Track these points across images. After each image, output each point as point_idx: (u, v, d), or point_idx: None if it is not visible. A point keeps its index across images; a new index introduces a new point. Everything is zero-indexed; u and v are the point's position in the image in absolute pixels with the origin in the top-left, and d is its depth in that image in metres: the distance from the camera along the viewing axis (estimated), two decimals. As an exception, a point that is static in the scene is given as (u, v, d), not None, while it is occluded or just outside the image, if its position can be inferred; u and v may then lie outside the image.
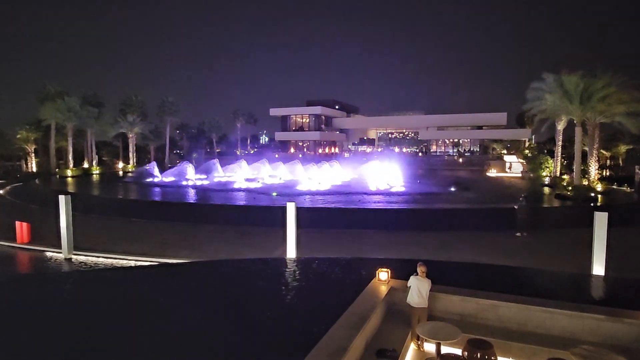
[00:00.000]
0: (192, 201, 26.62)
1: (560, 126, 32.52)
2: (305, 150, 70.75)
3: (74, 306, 8.52)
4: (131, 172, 50.47)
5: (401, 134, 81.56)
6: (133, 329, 7.30)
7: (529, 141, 63.49)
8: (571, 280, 10.42)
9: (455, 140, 74.52)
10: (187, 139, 78.64)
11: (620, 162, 40.53)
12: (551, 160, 35.72)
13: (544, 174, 36.27)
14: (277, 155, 40.74)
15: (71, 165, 47.72)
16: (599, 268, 10.52)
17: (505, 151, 67.18)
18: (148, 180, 37.91)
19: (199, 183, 35.30)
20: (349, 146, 79.69)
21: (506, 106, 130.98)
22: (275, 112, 76.81)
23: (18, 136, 52.39)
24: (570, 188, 25.74)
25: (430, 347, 6.58)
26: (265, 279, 10.24)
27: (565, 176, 32.20)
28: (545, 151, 39.77)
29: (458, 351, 6.03)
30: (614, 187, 30.47)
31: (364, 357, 5.87)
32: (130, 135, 55.07)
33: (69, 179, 42.41)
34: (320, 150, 71.73)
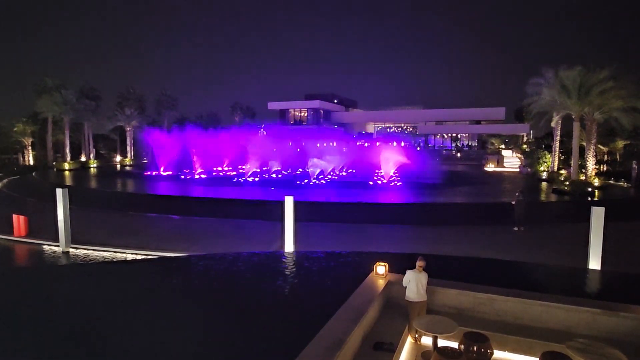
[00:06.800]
0: (190, 195, 26.58)
1: (557, 121, 32.50)
2: (303, 143, 70.69)
3: (71, 300, 8.51)
4: (129, 165, 50.36)
5: (399, 129, 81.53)
6: (130, 323, 7.31)
7: (527, 136, 63.55)
8: (568, 274, 10.48)
9: (454, 135, 74.57)
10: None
11: (618, 157, 40.61)
12: (549, 155, 35.78)
13: (541, 168, 36.36)
14: (275, 150, 40.69)
15: (68, 159, 47.57)
16: (595, 262, 10.59)
17: (503, 146, 67.27)
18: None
19: (196, 177, 35.28)
20: None
21: (505, 101, 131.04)
22: (273, 106, 76.62)
23: (15, 129, 52.17)
24: (567, 183, 25.82)
25: (427, 340, 6.62)
26: (263, 273, 10.26)
27: (562, 171, 32.27)
28: (543, 146, 39.80)
29: (454, 344, 6.05)
30: (611, 182, 30.59)
31: (362, 350, 5.90)
32: (128, 129, 54.86)
33: (66, 172, 42.30)
34: (318, 145, 71.72)
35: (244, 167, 37.47)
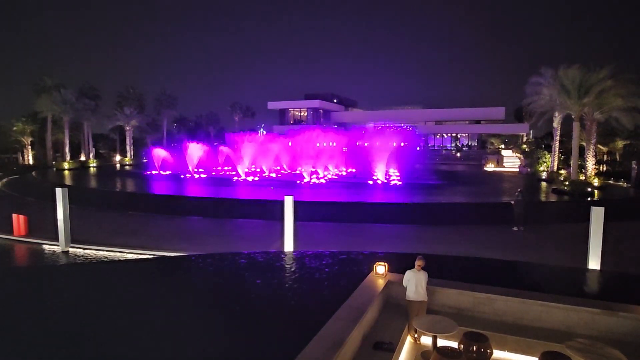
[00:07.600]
0: (190, 194, 26.56)
1: (557, 121, 32.52)
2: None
3: (71, 299, 8.51)
4: (129, 164, 50.33)
5: (399, 128, 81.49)
6: (130, 323, 7.31)
7: (526, 136, 63.55)
8: (567, 274, 10.48)
9: (454, 134, 74.61)
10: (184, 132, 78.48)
11: (617, 157, 40.64)
12: (549, 155, 35.80)
13: (541, 168, 36.37)
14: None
15: (68, 158, 47.53)
16: (594, 262, 10.59)
17: (503, 146, 67.28)
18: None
19: (196, 176, 35.28)
20: None
21: (505, 101, 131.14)
22: (273, 105, 76.55)
23: (14, 128, 52.15)
24: (567, 183, 25.80)
25: (426, 340, 6.62)
26: (263, 273, 10.25)
27: (562, 171, 32.28)
28: (543, 146, 39.83)
29: (454, 344, 6.07)
30: (611, 182, 30.60)
31: (361, 350, 5.91)
32: (127, 128, 54.82)
33: (66, 172, 42.28)
34: (317, 144, 71.77)
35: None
